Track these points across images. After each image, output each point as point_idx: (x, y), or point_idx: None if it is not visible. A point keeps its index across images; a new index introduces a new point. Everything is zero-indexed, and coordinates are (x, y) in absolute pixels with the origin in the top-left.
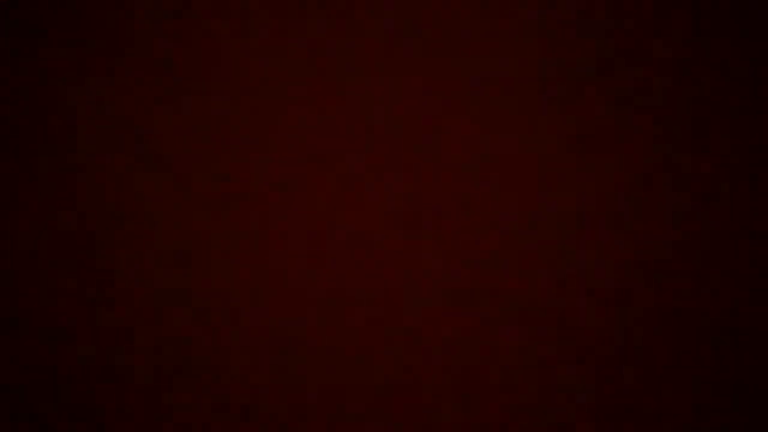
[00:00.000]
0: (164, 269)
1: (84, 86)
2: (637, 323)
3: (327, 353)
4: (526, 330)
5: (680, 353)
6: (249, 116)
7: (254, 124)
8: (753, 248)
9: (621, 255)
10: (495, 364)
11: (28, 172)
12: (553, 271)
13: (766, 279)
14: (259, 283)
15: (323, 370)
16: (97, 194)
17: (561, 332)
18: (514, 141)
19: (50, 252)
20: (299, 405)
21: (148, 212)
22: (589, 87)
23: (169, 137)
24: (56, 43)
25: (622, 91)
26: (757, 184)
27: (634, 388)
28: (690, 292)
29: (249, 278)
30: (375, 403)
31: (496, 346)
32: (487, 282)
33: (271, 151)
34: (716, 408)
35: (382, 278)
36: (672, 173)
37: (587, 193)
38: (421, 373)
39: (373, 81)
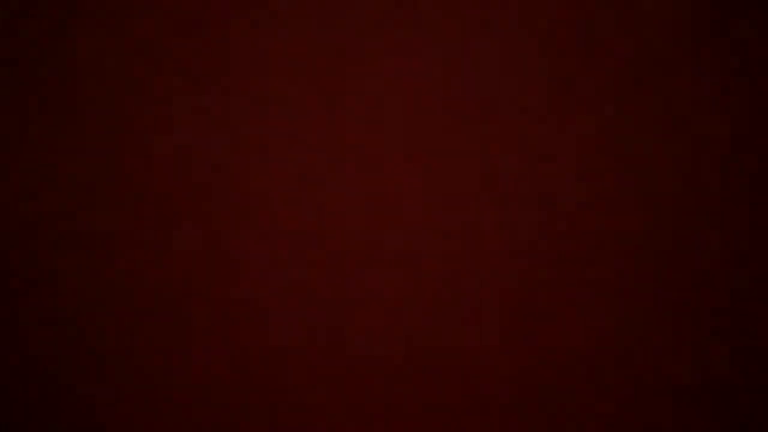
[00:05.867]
0: (167, 270)
1: (84, 85)
2: (635, 323)
3: (327, 355)
4: (527, 330)
5: (678, 353)
6: (249, 117)
7: (253, 125)
8: (753, 249)
9: (623, 256)
10: (496, 364)
11: (28, 172)
12: (555, 272)
13: (766, 279)
14: (258, 283)
15: (325, 372)
16: (97, 194)
17: (562, 333)
18: (515, 142)
19: (52, 251)
20: (300, 406)
21: (151, 212)
22: (592, 90)
23: (173, 136)
24: (56, 41)
25: (625, 93)
26: (758, 189)
27: (633, 389)
28: (689, 293)
29: (249, 278)
30: (375, 404)
31: (496, 347)
32: (488, 282)
33: (267, 155)
34: (715, 408)
35: (382, 278)
36: (674, 175)
37: (590, 194)
38: (422, 374)
39: (375, 81)
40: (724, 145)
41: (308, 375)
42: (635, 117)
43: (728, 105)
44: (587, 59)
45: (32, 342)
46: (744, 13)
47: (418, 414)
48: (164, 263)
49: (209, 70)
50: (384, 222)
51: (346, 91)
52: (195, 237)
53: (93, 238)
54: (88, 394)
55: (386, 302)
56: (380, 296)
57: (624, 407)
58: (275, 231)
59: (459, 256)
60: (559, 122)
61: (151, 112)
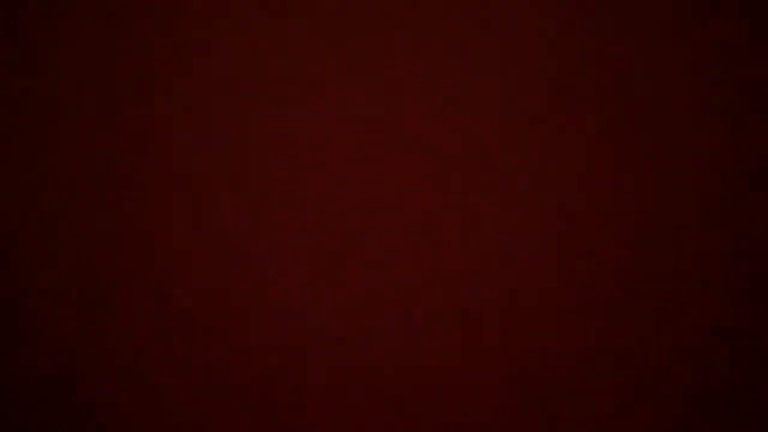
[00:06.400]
0: (167, 270)
1: (84, 85)
2: (635, 323)
3: (327, 354)
4: (527, 331)
5: (677, 354)
6: (249, 116)
7: (254, 124)
8: (753, 249)
9: (623, 256)
10: (496, 364)
11: (32, 175)
12: (554, 271)
13: (765, 282)
14: (258, 283)
15: (327, 374)
16: (99, 197)
17: (562, 333)
18: (515, 142)
19: (51, 251)
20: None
21: (151, 211)
22: (592, 90)
23: (175, 138)
24: (59, 42)
25: (625, 93)
26: (758, 189)
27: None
28: (688, 293)
29: (248, 277)
30: (375, 404)
31: (497, 348)
32: (487, 281)
33: (265, 155)
34: (714, 407)
35: (382, 278)
36: (675, 175)
37: (590, 194)
38: (422, 374)
39: (375, 81)
40: (724, 145)
41: (308, 375)
42: (635, 117)
43: (728, 105)
44: (587, 59)
45: (32, 342)
46: (745, 13)
47: (419, 414)
48: (164, 263)
49: (209, 70)
50: (384, 222)
51: (347, 91)
52: (195, 237)
53: (93, 238)
54: (88, 394)
55: (386, 302)
56: (380, 296)
57: (624, 407)
58: (275, 231)
59: (459, 255)
60: (559, 122)
61: (150, 111)
